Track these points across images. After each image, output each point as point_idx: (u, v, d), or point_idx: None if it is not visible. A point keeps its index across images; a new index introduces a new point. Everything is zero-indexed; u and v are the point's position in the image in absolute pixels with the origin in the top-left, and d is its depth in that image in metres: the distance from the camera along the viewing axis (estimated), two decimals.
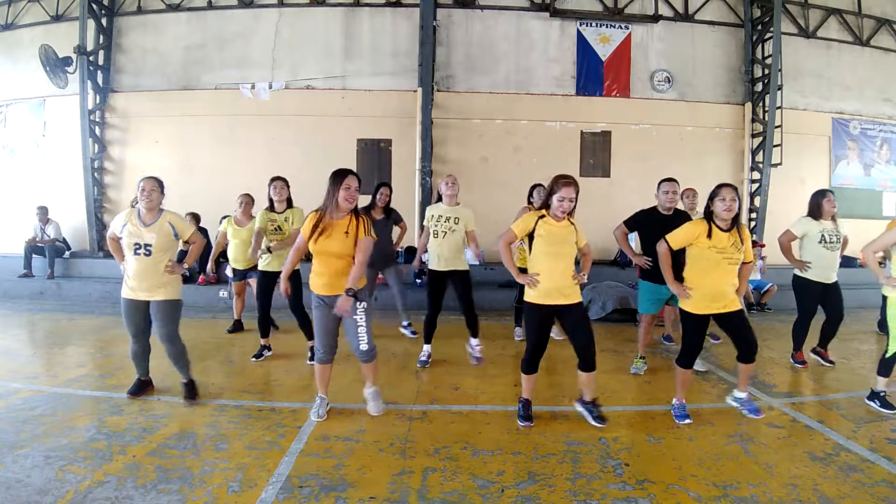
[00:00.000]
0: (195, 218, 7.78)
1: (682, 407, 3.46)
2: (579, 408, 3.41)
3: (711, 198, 3.35)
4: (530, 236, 3.21)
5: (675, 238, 3.44)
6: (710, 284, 3.30)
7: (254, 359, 4.74)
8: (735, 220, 3.33)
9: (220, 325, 6.09)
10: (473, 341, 4.71)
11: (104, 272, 8.48)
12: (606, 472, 2.73)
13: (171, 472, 2.64)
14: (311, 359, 4.72)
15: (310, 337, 4.77)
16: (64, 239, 8.67)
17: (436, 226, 4.50)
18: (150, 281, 3.52)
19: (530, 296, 3.23)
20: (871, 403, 3.70)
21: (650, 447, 3.06)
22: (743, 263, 3.39)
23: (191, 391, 3.67)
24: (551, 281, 3.16)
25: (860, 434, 3.25)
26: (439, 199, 4.69)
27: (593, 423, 3.29)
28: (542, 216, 3.22)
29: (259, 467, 2.71)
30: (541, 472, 2.73)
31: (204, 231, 7.88)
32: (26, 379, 4.11)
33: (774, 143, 8.84)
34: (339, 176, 3.19)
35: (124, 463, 2.73)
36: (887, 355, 3.63)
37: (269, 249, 4.54)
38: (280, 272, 4.55)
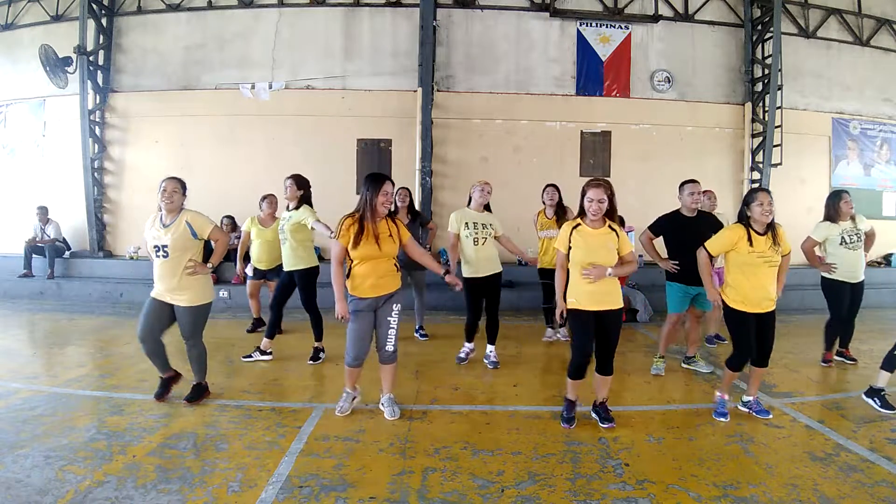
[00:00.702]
0: (231, 220, 7.79)
1: (724, 403, 3.51)
2: (593, 413, 3.42)
3: (748, 203, 3.38)
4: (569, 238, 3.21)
5: (715, 245, 3.47)
6: (752, 287, 3.33)
7: (244, 359, 4.72)
8: (770, 223, 3.36)
9: (220, 325, 6.09)
10: (490, 348, 4.70)
11: (104, 272, 8.49)
12: (606, 472, 2.73)
13: (171, 472, 2.64)
14: (313, 359, 4.73)
15: (318, 338, 4.77)
16: (64, 239, 8.67)
17: (474, 233, 4.46)
18: (171, 283, 3.47)
19: (571, 302, 3.22)
20: (870, 401, 3.66)
21: (650, 447, 3.05)
22: (783, 257, 3.42)
23: (196, 394, 3.64)
24: (592, 286, 3.14)
25: (860, 434, 3.25)
26: (469, 202, 4.63)
27: (602, 424, 3.30)
28: (577, 225, 3.22)
29: (259, 467, 2.71)
30: (541, 472, 2.73)
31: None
32: (26, 379, 4.11)
33: (774, 143, 8.84)
34: (376, 181, 3.23)
35: (124, 463, 2.73)
36: (895, 351, 3.61)
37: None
38: (305, 269, 4.64)
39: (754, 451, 3.01)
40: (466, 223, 4.49)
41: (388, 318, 3.35)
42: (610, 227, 3.21)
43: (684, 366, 4.65)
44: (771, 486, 2.60)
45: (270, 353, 4.77)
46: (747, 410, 3.56)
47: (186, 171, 8.56)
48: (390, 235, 3.27)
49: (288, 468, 2.71)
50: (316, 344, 4.79)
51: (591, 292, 3.15)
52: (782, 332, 4.99)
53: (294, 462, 2.78)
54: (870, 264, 9.07)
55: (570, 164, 8.91)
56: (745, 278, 3.35)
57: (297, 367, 4.61)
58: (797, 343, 5.52)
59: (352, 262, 3.27)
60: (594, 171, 9.02)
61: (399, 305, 3.39)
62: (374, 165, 8.67)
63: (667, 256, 4.43)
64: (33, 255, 8.28)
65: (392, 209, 5.17)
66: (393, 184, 3.33)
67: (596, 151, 9.12)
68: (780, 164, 8.83)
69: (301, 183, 4.63)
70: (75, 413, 3.42)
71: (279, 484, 2.55)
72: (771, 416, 3.48)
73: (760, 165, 8.99)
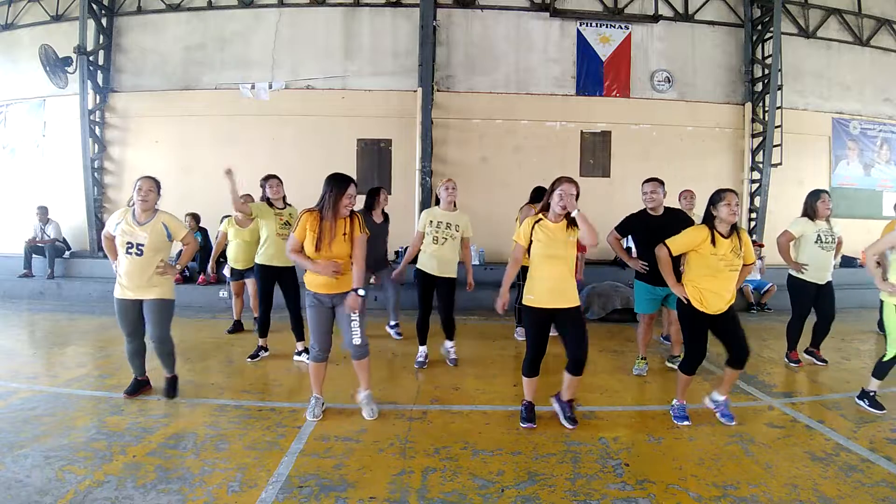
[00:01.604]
0: (195, 218, 7.78)
1: (683, 408, 3.45)
2: (555, 404, 3.42)
3: (714, 202, 3.30)
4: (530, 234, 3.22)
5: (676, 244, 3.39)
6: (710, 291, 3.27)
7: (249, 359, 4.74)
8: (734, 225, 3.32)
9: (220, 325, 6.09)
10: (448, 343, 4.73)
11: (104, 272, 8.46)
12: (606, 472, 2.73)
13: (171, 472, 2.64)
14: (299, 354, 4.76)
15: (300, 338, 4.78)
16: (64, 239, 8.67)
17: (436, 231, 4.47)
18: (141, 280, 3.52)
19: (528, 299, 3.23)
20: (861, 403, 3.72)
21: (650, 447, 3.06)
22: (744, 266, 3.37)
23: (172, 388, 3.69)
24: (549, 283, 3.16)
25: (860, 434, 3.25)
26: (437, 202, 4.67)
27: (564, 422, 3.30)
28: (539, 220, 3.23)
29: (259, 467, 2.71)
30: (541, 472, 2.73)
31: (204, 231, 7.91)
32: (26, 379, 4.11)
33: (774, 143, 8.84)
34: (341, 183, 3.22)
35: (124, 463, 2.73)
36: (885, 359, 3.63)
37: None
38: (281, 267, 4.62)
39: (754, 451, 3.01)
40: (431, 221, 4.50)
41: (348, 313, 3.31)
42: (567, 220, 3.19)
43: (669, 365, 4.64)
44: (771, 486, 2.60)
45: (267, 348, 4.86)
46: (713, 408, 3.48)
47: (186, 171, 8.63)
48: (345, 234, 3.23)
49: (288, 468, 2.71)
50: (299, 344, 4.81)
51: (548, 290, 3.15)
52: (782, 332, 5.00)
53: (294, 462, 2.78)
54: (863, 265, 9.11)
55: (570, 164, 8.90)
56: (704, 281, 3.28)
57: (297, 367, 4.61)
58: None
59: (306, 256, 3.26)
60: (594, 171, 9.02)
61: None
62: (374, 165, 8.68)
63: (636, 256, 4.40)
64: (33, 255, 8.28)
65: (367, 207, 5.24)
66: (356, 187, 3.30)
67: (596, 151, 9.12)
68: (780, 164, 8.84)
69: (281, 181, 4.77)
70: (75, 413, 3.42)
71: (279, 484, 2.55)
72: (734, 423, 3.36)
73: (760, 165, 9.00)
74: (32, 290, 8.02)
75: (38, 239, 8.34)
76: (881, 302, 3.81)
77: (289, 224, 4.66)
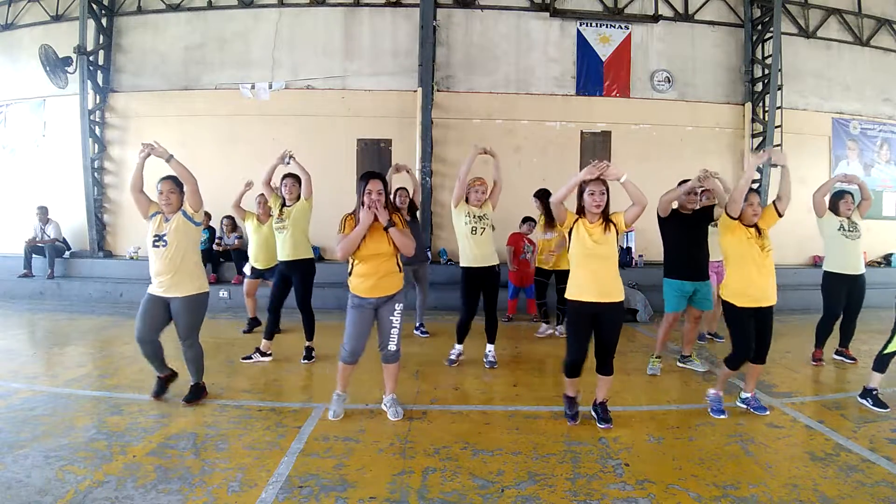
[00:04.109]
0: (207, 216, 7.82)
1: (720, 400, 3.53)
2: (592, 412, 3.42)
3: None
4: (569, 233, 3.23)
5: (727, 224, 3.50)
6: (751, 279, 3.38)
7: (243, 360, 4.71)
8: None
9: (220, 325, 6.09)
10: (489, 347, 4.70)
11: (104, 272, 8.49)
12: (606, 472, 2.73)
13: (171, 472, 2.64)
14: (307, 358, 4.73)
15: (309, 337, 4.77)
16: (64, 239, 8.68)
17: (475, 223, 4.45)
18: (168, 275, 3.47)
19: (571, 293, 3.23)
20: (864, 401, 3.73)
21: (650, 447, 3.06)
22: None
23: (195, 395, 3.63)
24: (592, 279, 3.16)
25: (860, 434, 3.25)
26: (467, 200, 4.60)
27: (600, 424, 3.30)
28: (577, 220, 3.24)
29: (259, 467, 2.71)
30: (541, 472, 2.73)
31: (212, 230, 7.95)
32: (26, 379, 4.11)
33: (774, 143, 8.83)
34: (360, 181, 3.24)
35: (124, 463, 2.73)
36: (885, 351, 3.65)
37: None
38: (306, 259, 4.64)
39: (754, 451, 3.01)
40: (467, 212, 4.49)
41: (391, 318, 3.34)
42: (604, 220, 3.20)
43: (680, 365, 4.65)
44: (771, 486, 2.60)
45: (270, 355, 4.77)
46: (745, 407, 3.58)
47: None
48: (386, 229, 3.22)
49: (288, 468, 2.71)
50: (307, 343, 4.80)
51: (592, 285, 3.15)
52: (782, 331, 5.01)
53: (294, 462, 2.78)
54: (869, 264, 9.11)
55: (570, 164, 8.88)
56: (746, 269, 3.40)
57: (297, 368, 4.61)
58: (797, 343, 5.50)
59: (354, 261, 3.27)
60: None
61: (401, 305, 3.38)
62: (374, 165, 8.64)
63: (664, 251, 4.44)
64: (33, 255, 8.28)
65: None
66: (382, 180, 3.26)
67: (596, 151, 9.10)
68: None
69: (300, 181, 4.74)
70: (75, 413, 3.42)
71: (279, 484, 2.55)
72: (769, 413, 3.51)
73: (760, 165, 8.99)
74: (32, 290, 8.02)
75: (38, 239, 8.34)
76: None
77: (282, 219, 4.66)
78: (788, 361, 4.89)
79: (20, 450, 2.84)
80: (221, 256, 8.15)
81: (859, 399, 3.76)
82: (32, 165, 9.26)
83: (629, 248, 8.70)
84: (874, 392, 3.69)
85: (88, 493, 2.42)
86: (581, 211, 3.24)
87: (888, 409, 3.60)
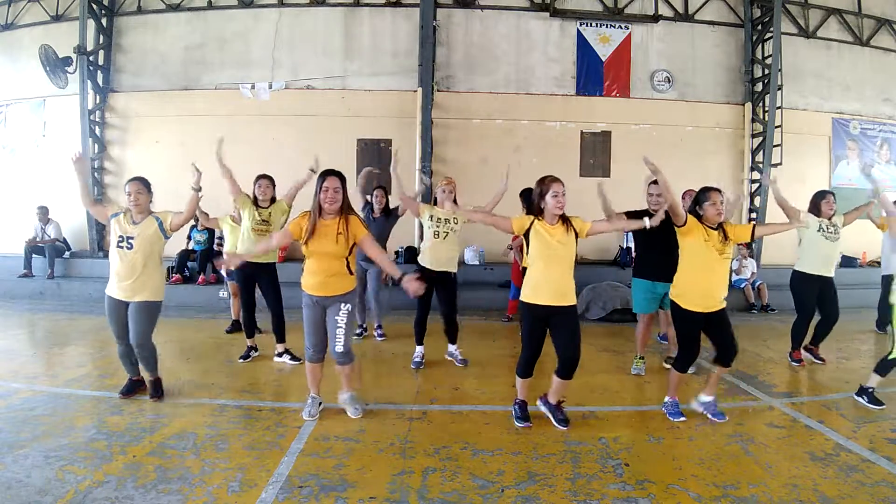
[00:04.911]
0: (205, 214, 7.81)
1: (675, 405, 3.47)
2: (542, 408, 3.41)
3: (700, 202, 3.41)
4: (526, 236, 3.19)
5: (687, 226, 3.41)
6: (703, 283, 3.32)
7: (241, 359, 4.73)
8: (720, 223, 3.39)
9: (220, 325, 6.09)
10: (452, 347, 4.75)
11: (104, 272, 8.29)
12: (606, 472, 2.73)
13: (171, 472, 2.64)
14: (280, 356, 4.76)
15: (280, 339, 4.79)
16: (64, 239, 8.68)
17: (436, 226, 4.49)
18: (130, 279, 3.52)
19: (525, 294, 3.22)
20: (860, 399, 3.74)
21: (650, 447, 3.06)
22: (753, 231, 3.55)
23: (157, 389, 3.68)
24: (547, 281, 3.15)
25: (860, 434, 3.25)
26: (435, 201, 4.67)
27: (557, 425, 3.28)
28: (534, 221, 3.20)
29: (259, 467, 2.71)
30: (541, 472, 2.73)
31: (211, 232, 7.94)
32: (26, 379, 4.11)
33: (774, 143, 8.83)
34: (319, 178, 3.22)
35: (124, 463, 2.73)
36: (890, 357, 3.64)
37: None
38: (265, 264, 4.61)
39: (754, 451, 3.01)
40: (431, 216, 4.52)
41: (336, 318, 3.27)
42: (564, 222, 3.17)
43: (666, 365, 4.63)
44: (771, 486, 2.60)
45: (256, 348, 4.86)
46: (702, 410, 3.47)
47: (186, 171, 8.60)
48: (339, 233, 3.16)
49: (288, 468, 2.70)
50: (279, 346, 4.79)
51: (546, 288, 3.13)
52: (782, 331, 5.01)
53: (294, 462, 2.78)
54: (869, 264, 9.12)
55: (570, 164, 8.89)
56: (698, 273, 3.33)
57: (297, 368, 4.60)
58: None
59: (305, 257, 3.27)
60: (594, 171, 9.01)
61: (348, 306, 3.29)
62: (373, 165, 8.62)
63: (635, 251, 4.44)
64: (33, 256, 8.28)
65: (367, 207, 5.27)
66: (341, 178, 3.21)
67: (596, 151, 9.12)
68: (780, 164, 8.82)
69: (274, 183, 4.84)
70: (75, 413, 3.42)
71: (279, 484, 2.55)
72: (726, 420, 3.39)
73: (760, 165, 8.99)
74: (32, 290, 8.02)
75: (38, 239, 8.34)
76: (881, 302, 3.84)
77: (266, 221, 4.66)
78: (788, 362, 4.88)
79: (20, 450, 2.84)
80: (221, 257, 8.13)
81: (855, 397, 3.79)
82: (32, 165, 9.26)
83: (629, 249, 8.69)
84: (870, 390, 3.72)
85: (88, 493, 2.42)
86: (538, 212, 3.19)
87: (884, 406, 3.62)
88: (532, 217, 3.22)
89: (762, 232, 3.68)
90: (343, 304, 3.28)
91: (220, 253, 8.02)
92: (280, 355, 4.77)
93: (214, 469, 2.69)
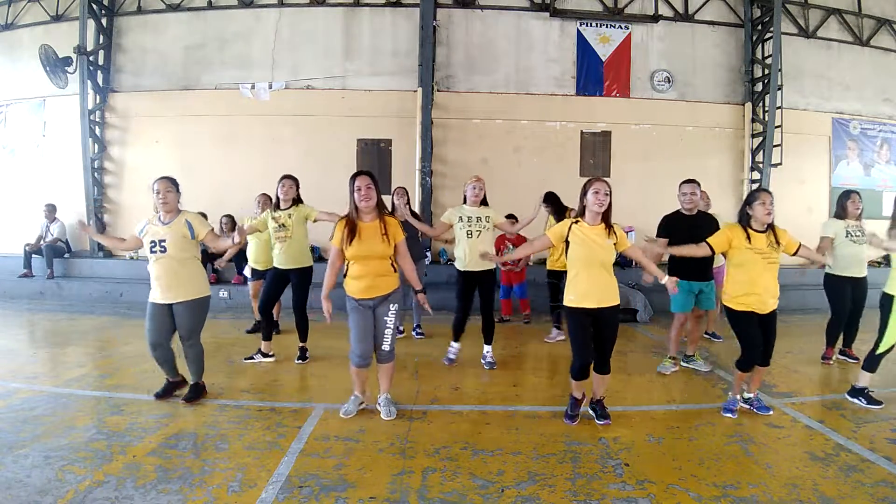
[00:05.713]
0: (230, 219, 7.79)
1: (735, 402, 3.55)
2: (589, 410, 3.44)
3: (750, 202, 3.44)
4: (566, 242, 3.23)
5: (716, 241, 3.51)
6: (753, 285, 3.35)
7: (245, 360, 4.72)
8: (770, 224, 3.42)
9: (220, 325, 6.10)
10: (487, 348, 4.70)
11: (104, 272, 8.49)
12: (606, 472, 2.73)
13: (171, 472, 2.64)
14: (301, 358, 4.74)
15: (303, 339, 4.78)
16: (66, 240, 8.68)
17: (468, 226, 4.45)
18: (168, 281, 3.50)
19: (569, 300, 3.24)
20: (856, 400, 3.74)
21: (650, 447, 3.06)
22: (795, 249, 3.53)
23: (194, 394, 3.64)
24: (590, 285, 3.17)
25: (860, 434, 3.25)
26: (464, 200, 4.62)
27: (598, 421, 3.31)
28: (576, 222, 3.24)
29: (259, 467, 2.71)
30: (541, 472, 2.73)
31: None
32: (26, 379, 4.11)
33: (774, 143, 8.83)
34: (351, 180, 3.23)
35: (124, 463, 2.73)
36: (877, 352, 3.67)
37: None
38: (294, 269, 4.61)
39: (754, 451, 3.01)
40: (461, 217, 4.49)
41: (385, 318, 3.32)
42: (606, 225, 3.20)
43: (684, 364, 4.66)
44: (771, 486, 2.60)
45: (273, 355, 4.77)
46: (748, 407, 3.58)
47: (186, 171, 8.56)
48: (384, 234, 3.21)
49: (288, 468, 2.71)
50: (301, 344, 4.80)
51: (590, 291, 3.17)
52: (782, 331, 4.96)
53: (294, 462, 2.78)
54: (870, 264, 9.09)
55: (570, 164, 8.90)
56: (746, 276, 3.37)
57: (297, 367, 4.61)
58: (797, 343, 5.52)
59: (348, 262, 3.27)
60: (594, 171, 9.01)
61: (396, 305, 3.36)
62: (374, 165, 8.66)
63: (669, 259, 4.40)
64: (33, 256, 8.28)
65: (391, 210, 5.24)
66: (371, 176, 3.23)
67: (596, 151, 9.12)
68: (780, 164, 8.83)
69: (298, 183, 4.73)
70: (75, 413, 3.42)
71: (279, 484, 2.55)
72: (772, 413, 3.51)
73: (760, 165, 8.99)
74: (32, 290, 8.02)
75: (43, 237, 8.33)
76: (884, 297, 3.84)
77: (284, 226, 4.60)
78: (788, 361, 4.88)
79: (20, 450, 2.84)
80: (244, 256, 8.12)
81: (849, 398, 3.79)
82: (32, 166, 9.26)
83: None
84: (866, 390, 3.72)
85: (88, 493, 2.42)
86: (580, 213, 3.24)
87: (882, 405, 3.63)
88: (569, 221, 3.26)
89: (803, 254, 3.62)
90: (392, 304, 3.33)
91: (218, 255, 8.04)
92: (303, 356, 4.76)
93: (214, 469, 2.69)
